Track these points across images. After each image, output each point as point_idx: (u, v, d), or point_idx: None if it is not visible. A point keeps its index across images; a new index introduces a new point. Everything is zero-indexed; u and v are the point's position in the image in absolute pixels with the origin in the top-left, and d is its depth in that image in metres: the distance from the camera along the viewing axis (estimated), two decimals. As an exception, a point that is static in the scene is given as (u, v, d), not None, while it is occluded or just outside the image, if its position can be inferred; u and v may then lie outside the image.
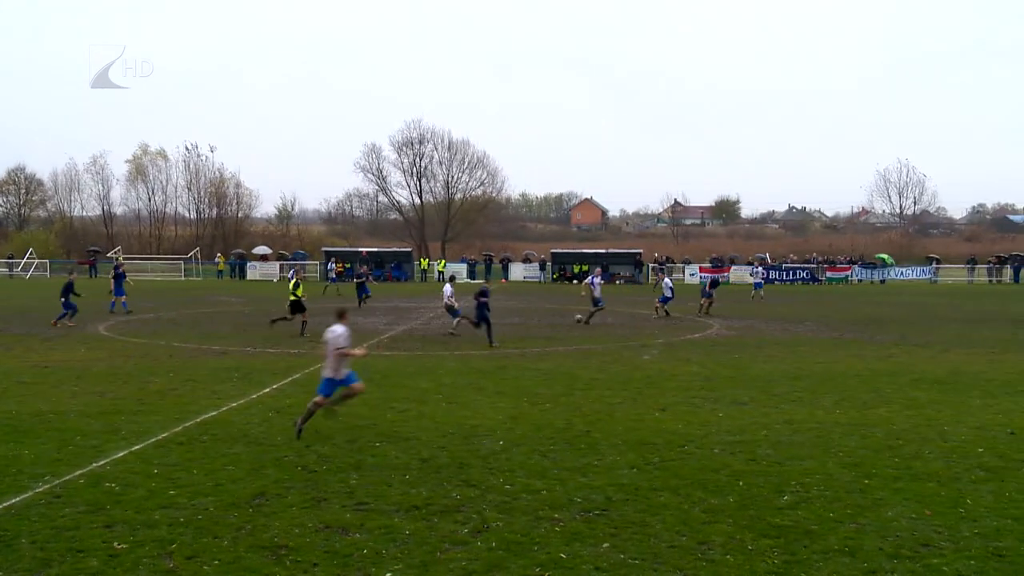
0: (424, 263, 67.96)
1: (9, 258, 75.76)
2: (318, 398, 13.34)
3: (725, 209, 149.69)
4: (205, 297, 47.72)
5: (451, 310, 29.78)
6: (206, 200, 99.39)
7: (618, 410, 15.37)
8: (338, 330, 13.20)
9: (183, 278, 70.93)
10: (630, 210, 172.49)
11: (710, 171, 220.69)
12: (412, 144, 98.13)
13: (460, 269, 70.95)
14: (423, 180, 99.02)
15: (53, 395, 16.66)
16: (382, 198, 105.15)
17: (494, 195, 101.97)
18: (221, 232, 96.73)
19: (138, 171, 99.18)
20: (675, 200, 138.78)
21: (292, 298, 29.13)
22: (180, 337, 27.13)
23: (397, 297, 47.74)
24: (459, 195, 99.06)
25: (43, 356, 22.36)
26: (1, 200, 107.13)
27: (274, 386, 17.73)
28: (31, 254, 75.51)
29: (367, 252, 70.50)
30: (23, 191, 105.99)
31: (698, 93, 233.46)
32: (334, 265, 58.79)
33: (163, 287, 58.09)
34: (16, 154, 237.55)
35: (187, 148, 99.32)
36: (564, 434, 13.49)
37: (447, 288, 30.32)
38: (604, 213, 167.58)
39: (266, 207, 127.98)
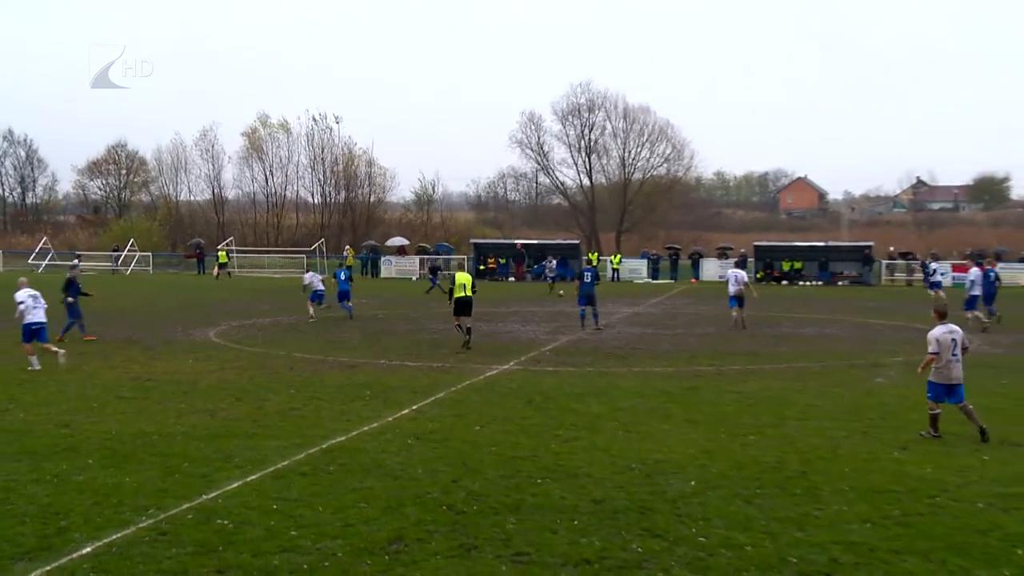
0: (593, 257, 67.96)
1: (114, 251, 79.48)
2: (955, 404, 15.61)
3: (987, 189, 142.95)
4: (332, 298, 49.34)
5: (739, 298, 33.48)
6: (332, 181, 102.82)
7: (844, 446, 14.91)
8: (959, 329, 15.83)
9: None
10: (856, 192, 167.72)
11: (966, 141, 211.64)
12: (579, 112, 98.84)
13: (639, 267, 70.67)
14: (593, 156, 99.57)
15: (157, 413, 17.55)
16: (543, 179, 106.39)
17: (681, 174, 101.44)
18: (350, 220, 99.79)
19: (254, 147, 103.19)
20: (917, 179, 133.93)
21: (467, 294, 28.13)
22: (302, 346, 28.09)
23: (562, 300, 47.99)
24: (637, 175, 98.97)
25: (145, 367, 23.61)
26: (100, 183, 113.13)
27: (414, 407, 18.11)
28: (132, 246, 79.50)
29: (522, 245, 71.21)
30: (124, 171, 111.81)
31: (947, 43, 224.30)
32: (552, 263, 59.71)
33: (283, 285, 60.36)
34: (117, 129, 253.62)
35: (313, 119, 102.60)
36: (773, 475, 13.17)
37: (742, 274, 34.18)
38: (822, 196, 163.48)
39: (403, 190, 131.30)
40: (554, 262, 60.58)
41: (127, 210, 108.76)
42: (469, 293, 28.10)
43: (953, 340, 15.60)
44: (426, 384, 20.94)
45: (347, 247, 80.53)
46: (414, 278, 69.53)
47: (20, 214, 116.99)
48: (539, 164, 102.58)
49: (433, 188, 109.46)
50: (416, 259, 73.48)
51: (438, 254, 75.22)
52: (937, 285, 43.85)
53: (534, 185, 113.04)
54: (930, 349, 15.63)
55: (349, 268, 41.10)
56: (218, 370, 23.10)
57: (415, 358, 25.54)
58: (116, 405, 18.39)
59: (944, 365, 15.59)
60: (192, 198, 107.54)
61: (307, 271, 41.43)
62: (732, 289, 33.67)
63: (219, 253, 73.20)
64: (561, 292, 49.67)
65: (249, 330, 32.83)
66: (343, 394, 19.60)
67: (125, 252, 78.29)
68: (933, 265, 46.50)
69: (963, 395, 15.64)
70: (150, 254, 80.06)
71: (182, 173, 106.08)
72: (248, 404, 18.45)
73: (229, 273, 70.42)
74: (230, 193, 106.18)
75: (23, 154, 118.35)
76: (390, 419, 16.95)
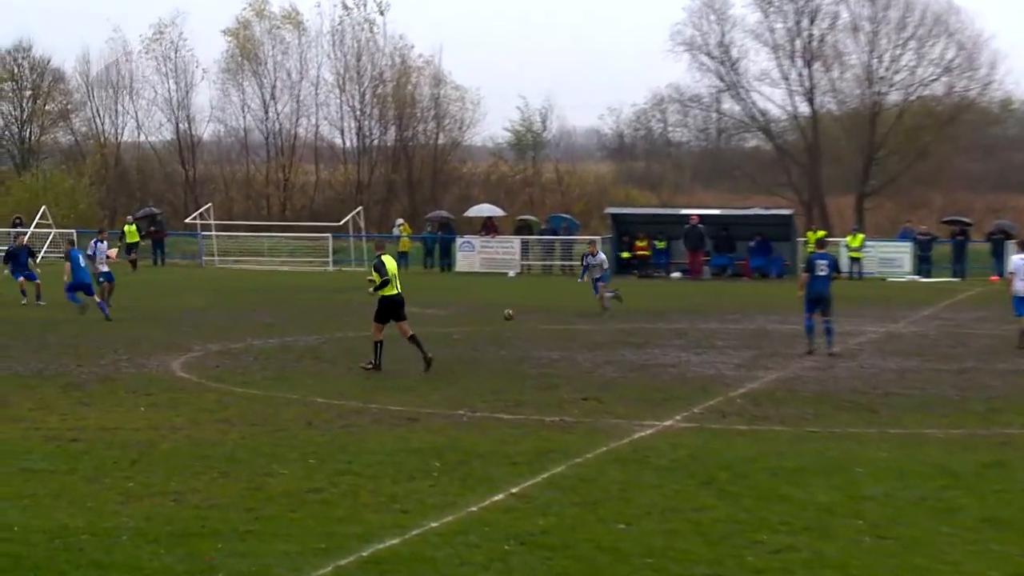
0: (814, 237, 67.19)
1: (15, 224, 79.44)
2: None
3: None
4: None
5: None
6: (375, 111, 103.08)
7: None
8: None
9: (331, 268, 74.03)
10: None
11: None
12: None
13: (897, 254, 69.73)
14: (816, 66, 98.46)
15: (89, 497, 17.61)
16: (729, 105, 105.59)
17: (973, 95, 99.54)
18: (405, 175, 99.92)
19: (245, 53, 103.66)
20: None
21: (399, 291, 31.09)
22: (328, 386, 28.38)
23: (761, 312, 47.57)
24: (894, 95, 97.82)
25: (69, 420, 23.79)
26: None
27: (513, 489, 18.03)
28: (43, 217, 79.74)
29: (698, 217, 70.72)
30: (28, 94, 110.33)
31: None
32: (595, 257, 54.43)
33: (294, 285, 60.87)
34: (14, 24, 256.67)
35: (344, 5, 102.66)
36: None
37: None
38: None
39: (493, 126, 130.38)
40: (600, 255, 52.35)
41: (34, 159, 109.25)
42: (399, 288, 30.73)
43: None
44: (533, 450, 20.91)
45: (399, 221, 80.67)
46: (511, 273, 69.64)
47: None
48: (723, 81, 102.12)
49: (544, 122, 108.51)
50: (515, 241, 73.31)
51: (555, 232, 75.00)
52: None
53: (713, 116, 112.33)
54: None
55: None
56: (188, 425, 23.29)
57: (514, 406, 25.59)
58: (20, 483, 18.51)
59: None
60: (143, 138, 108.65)
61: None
62: (1020, 286, 34.12)
63: (126, 228, 72.99)
64: (609, 296, 46.98)
65: (239, 359, 33.37)
66: (396, 466, 19.61)
67: (32, 228, 78.89)
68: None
69: None
70: (74, 232, 79.84)
71: (125, 97, 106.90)
72: (239, 482, 18.50)
73: (134, 262, 70.52)
74: (206, 130, 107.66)
75: None
76: (474, 509, 16.88)
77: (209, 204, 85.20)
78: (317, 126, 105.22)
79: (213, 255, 75.93)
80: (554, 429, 23.08)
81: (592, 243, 58.21)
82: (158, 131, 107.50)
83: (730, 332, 40.29)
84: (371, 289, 30.98)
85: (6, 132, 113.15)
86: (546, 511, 16.79)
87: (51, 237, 78.58)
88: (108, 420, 23.69)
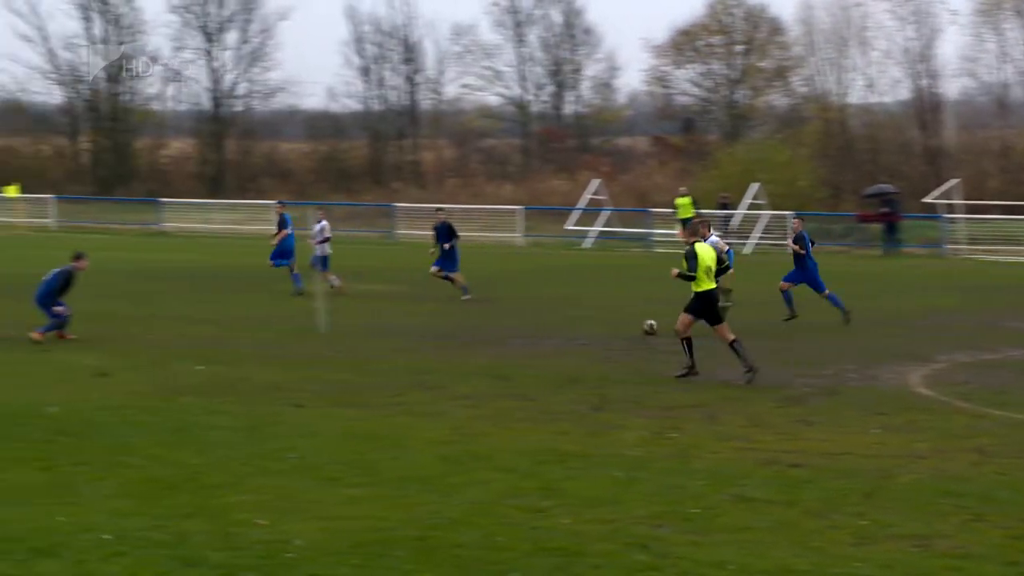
0: None
1: (722, 204, 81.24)
2: None
3: None
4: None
5: None
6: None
7: None
8: None
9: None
10: None
11: None
12: None
13: None
14: None
15: (814, 535, 17.70)
16: None
17: None
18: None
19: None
20: None
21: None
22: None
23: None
24: None
25: (788, 440, 24.29)
26: (695, 73, 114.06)
27: None
28: (756, 195, 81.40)
29: None
30: (740, 49, 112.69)
31: None
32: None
33: None
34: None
35: None
36: None
37: None
38: None
39: None
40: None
41: (744, 127, 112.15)
42: (715, 283, 31.46)
43: None
44: None
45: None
46: None
47: (553, 133, 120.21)
48: None
49: None
50: None
51: None
52: None
53: None
54: None
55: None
56: (932, 453, 23.26)
57: None
58: (735, 513, 18.87)
59: None
60: (873, 99, 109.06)
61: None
62: None
63: (678, 200, 70.75)
64: None
65: (994, 374, 33.30)
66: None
67: (743, 209, 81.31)
68: None
69: None
70: (793, 215, 78.71)
71: (853, 49, 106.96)
72: (997, 528, 18.11)
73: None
74: (953, 88, 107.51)
75: (559, 20, 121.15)
76: None
77: (956, 180, 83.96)
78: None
79: (959, 243, 74.92)
80: None
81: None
82: (891, 90, 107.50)
83: None
84: (674, 270, 31.20)
85: (714, 95, 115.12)
86: None
87: (764, 220, 78.93)
88: (833, 443, 24.03)
